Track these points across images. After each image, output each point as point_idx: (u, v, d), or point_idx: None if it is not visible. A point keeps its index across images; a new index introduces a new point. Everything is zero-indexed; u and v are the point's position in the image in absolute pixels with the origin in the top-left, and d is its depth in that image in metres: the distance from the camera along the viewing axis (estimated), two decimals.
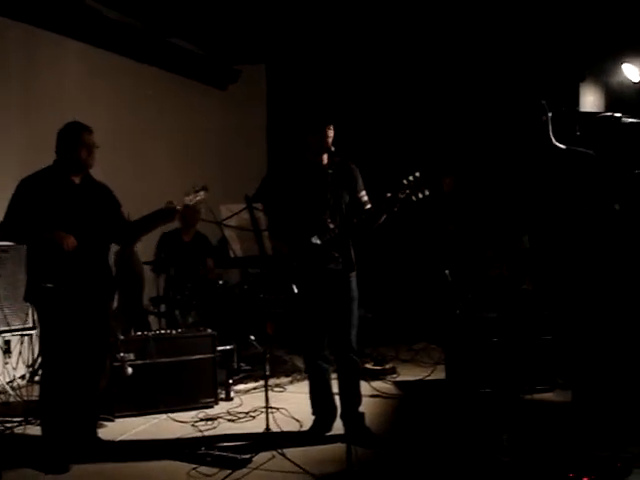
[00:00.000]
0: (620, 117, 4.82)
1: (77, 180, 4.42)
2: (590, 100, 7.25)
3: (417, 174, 4.26)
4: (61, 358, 4.30)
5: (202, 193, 4.53)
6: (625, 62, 6.64)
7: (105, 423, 5.11)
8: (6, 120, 6.33)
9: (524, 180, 4.17)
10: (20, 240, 4.79)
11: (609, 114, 4.88)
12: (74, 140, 4.36)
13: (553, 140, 4.10)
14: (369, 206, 4.54)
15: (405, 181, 4.26)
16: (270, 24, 7.95)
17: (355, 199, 4.57)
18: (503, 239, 4.25)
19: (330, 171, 4.27)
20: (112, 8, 7.18)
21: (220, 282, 6.70)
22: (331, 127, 4.54)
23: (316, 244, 4.41)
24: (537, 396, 5.41)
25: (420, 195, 4.26)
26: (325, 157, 4.56)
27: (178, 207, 4.44)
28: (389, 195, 4.29)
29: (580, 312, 4.03)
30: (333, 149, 4.40)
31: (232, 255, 4.89)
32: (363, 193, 4.60)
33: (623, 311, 4.42)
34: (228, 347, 6.23)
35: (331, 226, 4.40)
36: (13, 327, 5.76)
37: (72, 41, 6.93)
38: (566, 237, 4.01)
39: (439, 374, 6.22)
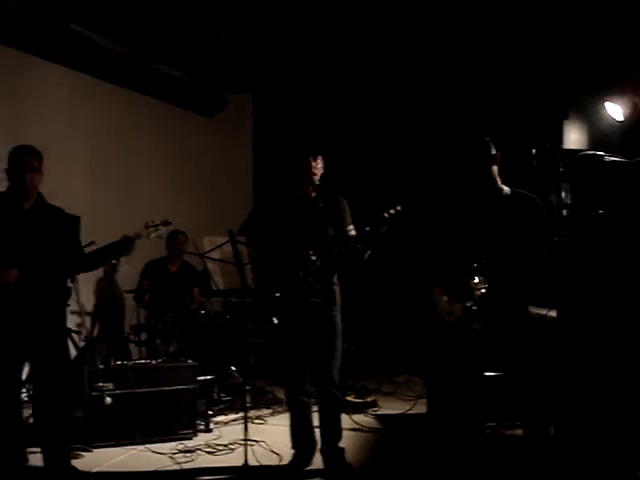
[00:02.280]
0: (603, 155, 4.86)
1: (27, 205, 4.32)
2: (573, 138, 7.32)
3: (398, 208, 4.24)
4: (9, 388, 4.24)
5: (163, 228, 4.47)
6: (607, 101, 6.72)
7: (82, 453, 5.05)
8: None
9: (471, 220, 4.25)
10: None
11: (592, 152, 4.91)
12: (18, 164, 4.29)
13: (498, 182, 4.20)
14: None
15: (386, 214, 4.22)
16: (258, 54, 8.02)
17: (342, 233, 4.54)
18: (451, 277, 4.26)
19: (318, 204, 4.27)
20: (101, 35, 7.21)
21: (202, 311, 6.67)
22: (317, 158, 4.52)
23: (299, 276, 4.39)
24: (519, 431, 5.38)
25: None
26: (314, 189, 4.53)
27: (132, 236, 4.36)
28: (368, 229, 4.25)
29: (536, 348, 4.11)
30: (317, 182, 4.41)
31: (214, 288, 4.89)
32: (351, 227, 4.56)
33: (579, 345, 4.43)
34: (209, 377, 6.19)
35: (313, 258, 4.38)
36: None
37: (59, 67, 6.93)
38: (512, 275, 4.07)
39: (421, 407, 6.20)
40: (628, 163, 4.77)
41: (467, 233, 4.26)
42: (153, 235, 4.48)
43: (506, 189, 4.23)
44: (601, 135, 6.98)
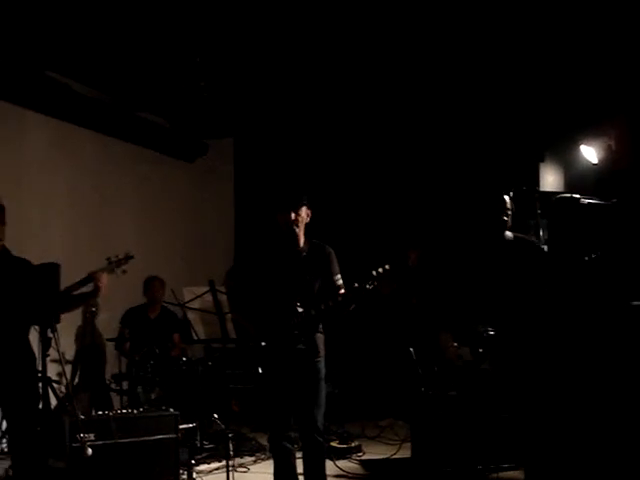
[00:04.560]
0: (579, 198, 4.94)
1: None
2: (550, 180, 7.43)
3: (387, 267, 4.28)
4: None
5: (125, 264, 4.52)
6: (583, 144, 6.84)
7: None
8: None
9: (477, 267, 4.39)
10: None
11: (568, 195, 5.00)
12: None
13: (506, 233, 4.46)
14: (343, 290, 4.52)
15: (374, 272, 4.27)
16: (238, 99, 8.08)
17: (329, 282, 4.53)
18: (459, 323, 4.38)
19: (304, 254, 4.29)
20: (80, 82, 7.23)
21: (184, 358, 6.61)
22: (301, 208, 4.50)
23: (285, 327, 4.39)
24: (503, 474, 5.36)
25: (387, 288, 4.33)
26: (298, 239, 4.53)
27: (96, 271, 4.40)
28: (356, 285, 4.30)
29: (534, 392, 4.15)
30: (299, 232, 4.44)
31: (195, 337, 4.86)
32: (338, 277, 4.55)
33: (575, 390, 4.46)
34: (191, 425, 6.11)
35: (299, 310, 4.39)
36: None
37: (36, 114, 6.93)
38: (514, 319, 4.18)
39: (405, 452, 6.15)
40: (604, 205, 4.85)
41: (474, 280, 4.38)
42: (117, 270, 4.50)
43: (509, 234, 4.42)
44: (577, 177, 7.10)
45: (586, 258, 4.19)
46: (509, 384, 4.28)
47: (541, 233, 5.50)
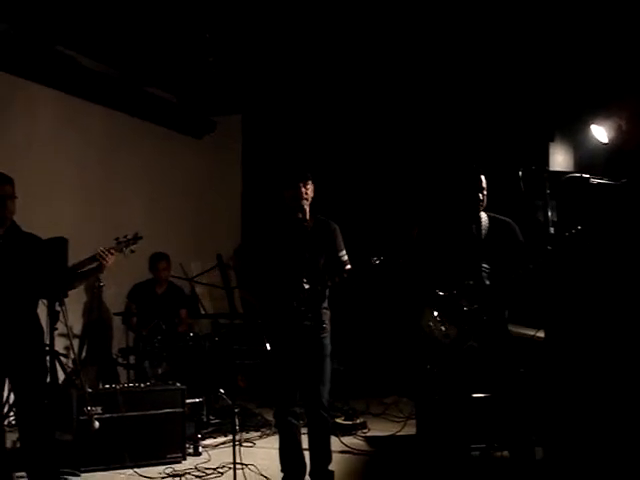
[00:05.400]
0: (588, 178, 4.92)
1: (0, 232, 4.33)
2: (559, 160, 7.39)
3: (382, 257, 4.37)
4: None
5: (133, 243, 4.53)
6: (593, 123, 6.79)
7: (70, 478, 5.02)
8: None
9: (454, 243, 4.42)
10: None
11: (578, 174, 4.97)
12: None
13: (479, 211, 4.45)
14: (349, 266, 4.56)
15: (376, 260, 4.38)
16: (247, 76, 8.04)
17: (335, 258, 4.57)
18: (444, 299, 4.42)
19: (309, 231, 4.31)
20: (88, 56, 7.21)
21: (190, 334, 6.64)
22: (307, 183, 4.55)
23: (292, 304, 4.41)
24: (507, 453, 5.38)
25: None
26: (305, 214, 4.55)
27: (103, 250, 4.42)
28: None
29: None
30: (306, 207, 4.45)
31: (203, 312, 4.87)
32: (343, 253, 4.60)
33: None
34: (197, 400, 6.16)
35: (306, 287, 4.40)
36: None
37: (46, 88, 6.91)
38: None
39: (410, 429, 6.19)
40: (613, 185, 4.83)
41: (456, 257, 4.39)
42: (126, 250, 4.52)
43: (484, 216, 4.43)
44: (587, 157, 7.05)
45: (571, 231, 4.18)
46: (491, 364, 4.33)
47: (549, 214, 5.47)
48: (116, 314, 6.92)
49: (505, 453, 5.10)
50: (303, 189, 4.51)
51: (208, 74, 7.54)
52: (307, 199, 4.53)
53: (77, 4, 6.10)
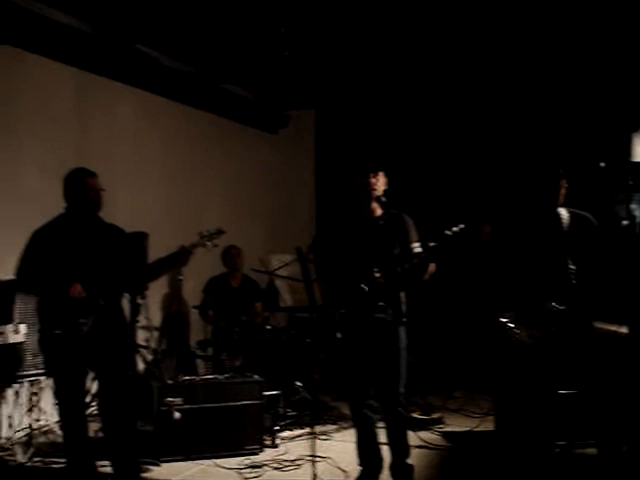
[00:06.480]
0: None
1: (86, 225, 4.44)
2: None
3: (462, 226, 4.26)
4: (73, 403, 4.34)
5: (217, 237, 4.57)
6: None
7: (151, 467, 5.13)
8: (61, 162, 6.45)
9: (534, 243, 4.35)
10: (34, 292, 4.54)
11: None
12: (78, 186, 4.41)
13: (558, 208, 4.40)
14: (419, 250, 4.51)
15: (448, 232, 4.25)
16: (321, 70, 8.06)
17: (407, 250, 4.52)
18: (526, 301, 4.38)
19: (381, 222, 4.29)
20: (166, 55, 7.35)
21: (268, 327, 6.70)
22: (378, 174, 4.52)
23: (363, 290, 4.38)
24: (589, 450, 5.26)
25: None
26: (377, 207, 4.54)
27: (188, 246, 4.48)
28: (432, 244, 4.29)
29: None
30: (381, 199, 4.43)
31: (282, 305, 4.90)
32: (416, 245, 4.53)
33: None
34: (274, 392, 6.21)
35: (377, 275, 4.38)
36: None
37: (125, 86, 7.07)
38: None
39: (488, 425, 6.10)
40: None
41: (541, 255, 4.34)
42: (209, 244, 4.57)
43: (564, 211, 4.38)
44: None
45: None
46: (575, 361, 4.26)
47: (632, 207, 5.31)
48: (194, 307, 7.04)
49: (588, 450, 5.02)
50: (373, 179, 4.49)
51: (283, 69, 7.59)
52: (378, 190, 4.51)
53: (155, 4, 6.22)
